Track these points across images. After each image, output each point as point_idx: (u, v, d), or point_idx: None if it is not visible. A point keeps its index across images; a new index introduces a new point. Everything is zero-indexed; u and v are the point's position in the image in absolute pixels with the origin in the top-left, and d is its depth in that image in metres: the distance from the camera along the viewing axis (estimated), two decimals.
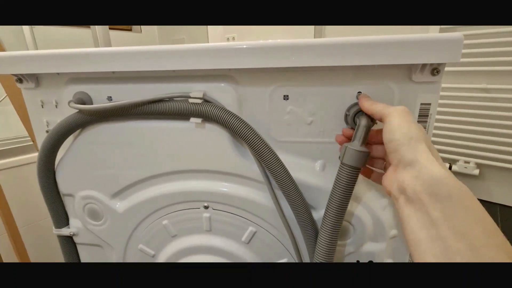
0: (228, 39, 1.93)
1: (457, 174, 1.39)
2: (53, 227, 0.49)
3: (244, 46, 0.34)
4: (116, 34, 1.94)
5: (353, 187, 0.33)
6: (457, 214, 0.23)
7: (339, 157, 0.34)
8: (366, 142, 0.33)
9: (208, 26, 1.88)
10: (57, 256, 0.52)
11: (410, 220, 0.25)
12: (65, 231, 0.49)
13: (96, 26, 1.03)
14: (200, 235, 0.45)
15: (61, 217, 0.48)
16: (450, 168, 1.38)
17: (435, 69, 0.32)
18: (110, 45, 1.08)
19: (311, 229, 0.38)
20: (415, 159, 0.26)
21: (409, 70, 0.33)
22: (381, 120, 0.30)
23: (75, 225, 0.49)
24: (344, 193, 0.32)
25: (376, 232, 0.40)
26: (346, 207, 0.34)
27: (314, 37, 1.51)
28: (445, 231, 0.22)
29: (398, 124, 0.27)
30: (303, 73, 0.36)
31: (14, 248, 0.72)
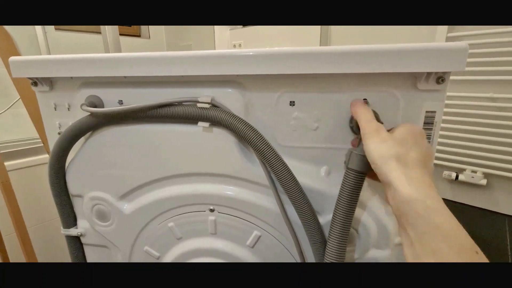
0: (234, 46, 1.96)
1: (464, 183, 1.37)
2: (61, 227, 0.50)
3: (252, 53, 0.35)
4: (125, 40, 1.98)
5: (359, 192, 0.33)
6: (426, 233, 0.23)
7: (345, 162, 0.34)
8: None
9: (215, 32, 1.91)
10: (65, 255, 0.53)
11: (401, 238, 0.27)
12: (73, 231, 0.50)
13: (106, 31, 1.06)
14: (205, 238, 0.45)
15: (69, 217, 0.49)
16: (456, 177, 1.37)
17: (440, 78, 0.32)
18: (120, 50, 1.11)
19: (317, 234, 0.38)
20: (389, 180, 0.27)
21: (415, 78, 0.34)
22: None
23: (82, 226, 0.50)
24: (350, 198, 0.33)
25: (381, 239, 0.40)
26: (354, 212, 0.34)
27: (320, 40, 1.52)
28: (419, 249, 0.24)
29: (372, 147, 0.29)
30: (309, 79, 0.36)
31: (22, 248, 0.73)
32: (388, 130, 0.31)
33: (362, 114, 0.32)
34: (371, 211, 0.39)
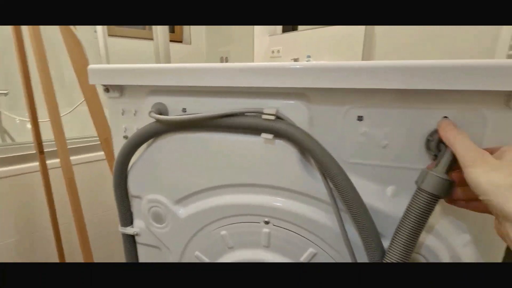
0: (273, 52, 1.97)
1: None
2: (119, 225, 0.53)
3: (322, 66, 0.34)
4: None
5: (428, 216, 0.31)
6: None
7: (416, 182, 0.32)
8: (451, 170, 0.31)
9: (255, 38, 1.94)
10: (117, 248, 0.55)
11: None
12: (129, 230, 0.52)
13: (158, 38, 1.12)
14: (257, 250, 0.45)
15: (127, 216, 0.52)
16: None
17: None
18: (169, 56, 1.16)
19: (379, 257, 0.36)
20: (508, 213, 0.23)
21: (509, 96, 0.30)
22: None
23: (138, 226, 0.52)
24: (418, 221, 0.30)
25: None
26: (418, 238, 0.31)
27: (364, 45, 1.46)
28: None
29: (480, 177, 0.26)
30: (381, 93, 0.35)
31: (80, 242, 0.79)
32: (491, 153, 0.28)
33: (458, 141, 0.29)
34: (444, 239, 0.36)
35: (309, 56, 1.76)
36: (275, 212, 0.42)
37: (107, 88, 0.47)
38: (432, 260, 0.36)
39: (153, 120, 0.43)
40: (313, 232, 0.41)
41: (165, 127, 0.43)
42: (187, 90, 0.43)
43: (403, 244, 0.31)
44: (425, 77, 0.30)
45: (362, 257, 0.38)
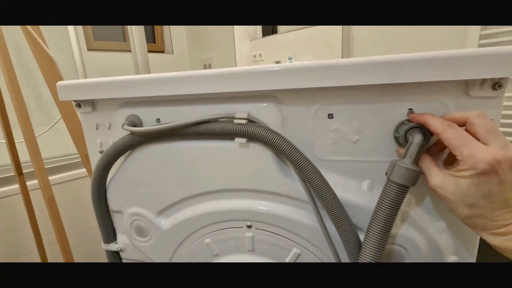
0: (255, 56, 1.98)
1: None
2: (102, 243, 0.52)
3: (289, 68, 0.34)
4: (150, 56, 2.07)
5: (399, 207, 0.31)
6: None
7: (386, 173, 0.32)
8: (418, 160, 0.31)
9: (236, 44, 1.95)
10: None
11: None
12: (113, 247, 0.51)
13: (136, 49, 1.11)
14: (242, 255, 0.45)
15: (109, 232, 0.51)
16: None
17: (497, 84, 0.30)
18: (148, 67, 1.15)
19: (358, 251, 0.36)
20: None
21: (465, 85, 0.31)
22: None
23: (122, 241, 0.51)
24: (389, 212, 0.31)
25: (433, 258, 0.37)
26: (391, 228, 0.32)
27: (342, 44, 1.49)
28: None
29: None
30: (349, 90, 0.35)
31: (64, 257, 0.77)
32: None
33: (446, 130, 0.28)
34: (421, 228, 0.36)
35: (290, 58, 1.78)
36: (257, 216, 0.42)
37: (78, 104, 0.46)
38: (410, 249, 0.37)
39: (128, 132, 0.43)
40: (295, 233, 0.41)
41: (140, 139, 0.43)
42: (160, 100, 0.43)
43: (377, 235, 0.32)
44: (387, 72, 0.31)
45: (344, 253, 0.38)
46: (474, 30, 1.18)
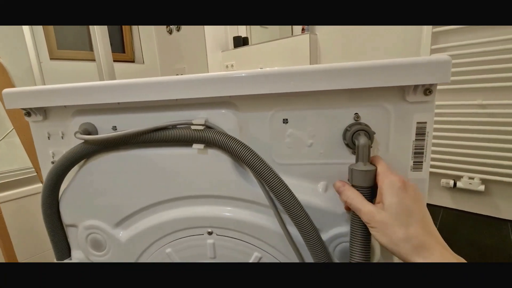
0: (227, 66, 2.01)
1: (462, 190, 1.38)
2: (55, 259, 0.48)
3: (243, 75, 0.36)
4: (120, 66, 2.02)
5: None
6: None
7: (348, 180, 0.34)
8: (369, 159, 0.34)
9: (208, 54, 1.96)
10: None
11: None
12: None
13: (100, 58, 1.08)
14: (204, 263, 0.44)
15: (63, 248, 0.48)
16: (455, 185, 1.37)
17: (428, 89, 0.33)
18: (114, 76, 1.12)
19: (321, 251, 0.37)
20: (407, 259, 0.28)
21: (403, 91, 0.35)
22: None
23: (77, 257, 0.48)
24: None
25: (384, 254, 0.39)
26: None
27: (310, 51, 1.56)
28: None
29: (378, 238, 0.30)
30: (301, 97, 0.37)
31: None
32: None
33: (353, 200, 0.33)
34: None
35: (261, 68, 1.83)
36: (217, 221, 0.42)
37: (28, 112, 0.44)
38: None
39: (82, 141, 0.41)
40: (256, 237, 0.41)
41: (95, 147, 0.41)
42: (116, 107, 0.42)
43: (360, 239, 0.33)
44: (331, 79, 0.33)
45: (307, 255, 0.39)
46: (425, 45, 1.30)
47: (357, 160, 0.34)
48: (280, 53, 1.69)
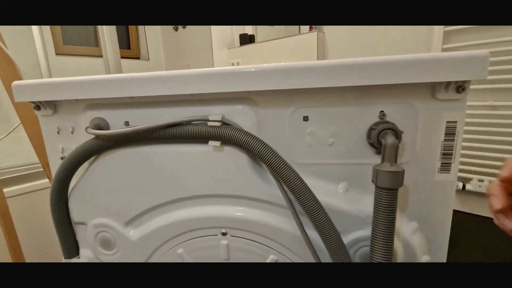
0: (232, 64, 1.99)
1: (471, 193, 1.35)
2: (62, 257, 0.47)
3: (264, 69, 0.34)
4: (125, 63, 2.01)
5: (395, 208, 0.31)
6: None
7: (372, 181, 0.32)
8: (396, 160, 0.32)
9: (213, 52, 1.94)
10: None
11: None
12: (75, 262, 0.47)
13: (108, 54, 1.07)
14: None
15: (71, 246, 0.46)
16: (463, 187, 1.34)
17: (460, 87, 0.31)
18: (121, 71, 1.11)
19: (343, 255, 0.35)
20: None
21: (433, 88, 0.33)
22: None
23: (85, 255, 0.47)
24: (386, 216, 0.31)
25: (407, 257, 0.37)
26: (393, 230, 0.32)
27: (317, 51, 1.53)
28: None
29: None
30: (323, 93, 0.35)
31: None
32: None
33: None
34: (396, 231, 0.37)
35: None
36: (232, 222, 0.40)
37: (37, 106, 0.43)
38: None
39: (92, 136, 0.40)
40: (272, 239, 0.40)
41: (106, 143, 0.40)
42: (128, 102, 0.40)
43: (382, 241, 0.31)
44: (358, 73, 0.32)
45: (326, 258, 0.38)
46: (436, 45, 1.28)
47: (383, 160, 0.32)
48: (287, 51, 1.67)
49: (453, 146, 0.34)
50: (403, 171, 0.31)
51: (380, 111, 0.35)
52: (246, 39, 1.94)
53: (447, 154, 0.34)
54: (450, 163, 0.35)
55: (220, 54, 1.99)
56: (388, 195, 0.30)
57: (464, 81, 0.31)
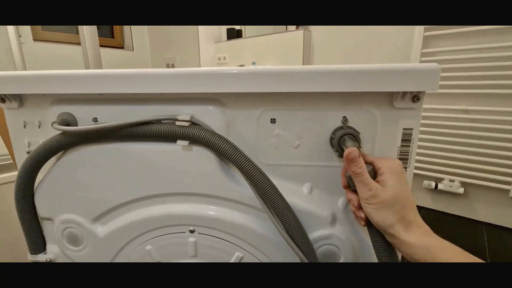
0: (219, 58, 1.97)
1: (443, 192, 1.42)
2: (28, 253, 0.46)
3: (233, 72, 0.35)
4: (107, 51, 1.95)
5: None
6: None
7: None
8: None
9: (200, 45, 1.92)
10: None
11: None
12: (41, 258, 0.46)
13: (86, 42, 1.03)
14: (185, 261, 0.43)
15: (37, 242, 0.46)
16: (436, 186, 1.41)
17: (415, 97, 0.33)
18: (100, 63, 1.08)
19: (309, 252, 0.37)
20: (400, 241, 0.30)
21: (391, 97, 0.34)
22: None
23: (52, 251, 0.47)
24: None
25: (365, 256, 0.39)
26: None
27: (303, 50, 1.55)
28: None
29: (374, 217, 0.31)
30: (290, 97, 0.37)
31: None
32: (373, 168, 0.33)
33: (364, 172, 0.31)
34: (355, 230, 0.39)
35: (254, 63, 1.80)
36: (199, 220, 0.41)
37: (2, 98, 0.41)
38: (343, 248, 0.39)
39: (60, 132, 0.39)
40: (238, 236, 0.41)
41: (73, 139, 0.39)
42: (98, 98, 0.40)
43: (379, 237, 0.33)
44: (322, 81, 0.33)
45: (292, 257, 0.39)
46: (416, 48, 1.32)
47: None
48: (273, 47, 1.67)
49: (408, 152, 0.36)
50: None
51: (343, 117, 0.36)
52: (234, 34, 1.93)
53: (403, 159, 0.36)
54: (406, 167, 0.37)
55: (207, 48, 1.96)
56: None
57: (419, 92, 0.33)
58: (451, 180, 1.37)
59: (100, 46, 1.09)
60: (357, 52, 1.48)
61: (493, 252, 1.15)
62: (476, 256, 0.27)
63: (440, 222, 1.39)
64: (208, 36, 1.96)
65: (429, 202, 1.49)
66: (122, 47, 2.16)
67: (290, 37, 1.59)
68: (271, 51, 1.69)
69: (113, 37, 2.12)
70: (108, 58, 1.75)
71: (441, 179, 1.40)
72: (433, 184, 1.41)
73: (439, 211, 1.46)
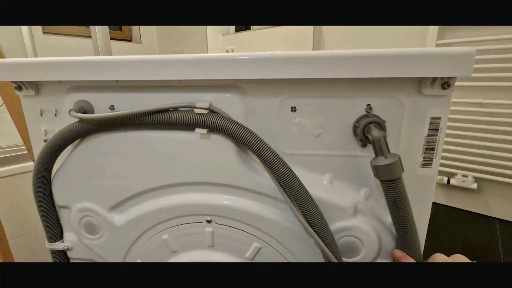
0: (227, 51, 1.95)
1: (455, 188, 1.39)
2: (46, 241, 0.47)
3: (252, 57, 0.33)
4: (116, 44, 1.95)
5: (406, 194, 0.32)
6: None
7: (375, 176, 0.33)
8: (388, 149, 0.32)
9: (208, 38, 1.90)
10: None
11: None
12: (58, 246, 0.46)
13: (97, 35, 1.03)
14: (201, 251, 0.43)
15: (55, 230, 0.46)
16: (448, 181, 1.38)
17: (446, 83, 0.32)
18: (111, 55, 1.08)
19: (330, 243, 0.36)
20: None
21: (419, 83, 0.33)
22: None
23: (69, 239, 0.47)
24: (400, 204, 0.32)
25: (386, 249, 0.38)
26: (412, 215, 0.33)
27: (313, 43, 1.52)
28: None
29: None
30: (311, 84, 0.35)
31: (2, 258, 0.69)
32: None
33: None
34: (376, 221, 0.38)
35: None
36: (217, 210, 0.40)
37: (19, 86, 0.41)
38: (365, 241, 0.38)
39: (77, 120, 0.39)
40: (256, 227, 0.40)
41: (90, 127, 0.39)
42: (114, 85, 0.39)
43: (407, 230, 0.32)
44: (347, 66, 0.32)
45: (308, 248, 0.38)
46: (431, 40, 1.28)
47: (376, 155, 0.32)
48: (282, 40, 1.64)
49: (436, 141, 0.35)
50: (399, 158, 0.31)
51: (367, 104, 0.35)
52: (242, 26, 1.90)
53: (429, 149, 0.35)
54: (432, 158, 0.35)
55: (215, 40, 1.95)
56: (396, 185, 0.31)
57: (450, 78, 0.32)
58: (464, 175, 1.34)
59: (110, 38, 1.09)
60: (369, 43, 1.44)
61: (506, 249, 1.12)
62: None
63: (452, 218, 1.36)
64: (216, 28, 1.94)
65: (441, 198, 1.47)
66: (130, 40, 2.16)
67: (300, 29, 1.57)
68: (280, 44, 1.67)
69: (121, 29, 2.12)
70: (116, 51, 1.75)
71: (453, 174, 1.37)
72: (445, 179, 1.38)
73: (452, 206, 1.43)
